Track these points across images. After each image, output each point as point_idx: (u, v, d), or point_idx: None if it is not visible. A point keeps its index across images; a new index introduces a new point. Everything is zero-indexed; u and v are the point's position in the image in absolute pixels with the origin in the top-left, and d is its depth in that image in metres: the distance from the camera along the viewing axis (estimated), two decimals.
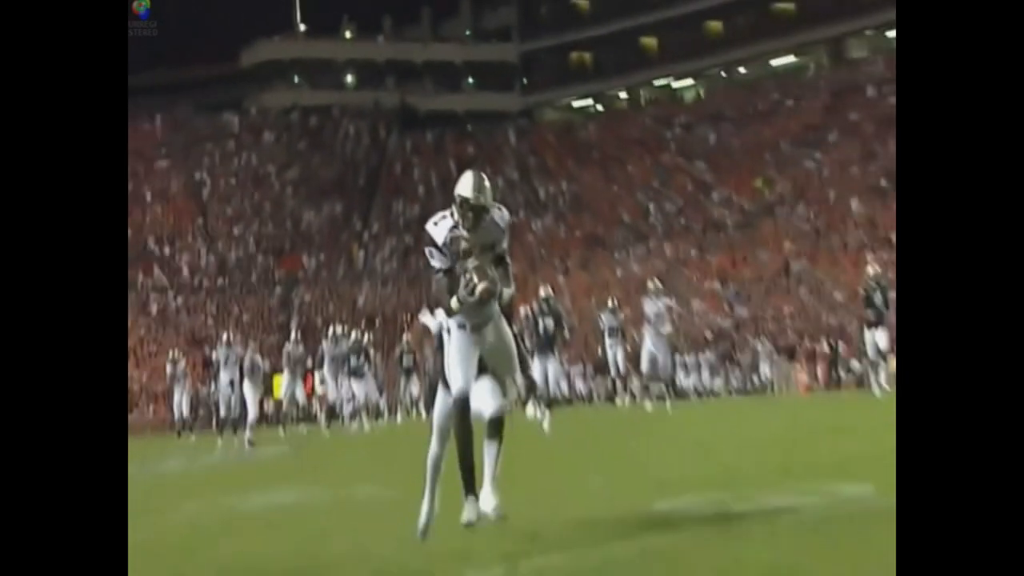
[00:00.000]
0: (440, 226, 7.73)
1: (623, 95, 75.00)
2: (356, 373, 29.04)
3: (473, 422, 7.74)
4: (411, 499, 10.91)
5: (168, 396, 37.05)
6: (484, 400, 7.90)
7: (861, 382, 35.89)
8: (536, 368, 19.79)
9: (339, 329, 31.47)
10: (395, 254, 62.32)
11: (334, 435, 27.77)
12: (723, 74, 70.68)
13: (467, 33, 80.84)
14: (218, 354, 28.76)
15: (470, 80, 79.52)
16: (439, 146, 70.48)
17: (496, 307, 7.97)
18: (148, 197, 61.28)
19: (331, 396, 30.19)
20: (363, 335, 31.69)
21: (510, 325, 8.44)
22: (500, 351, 8.05)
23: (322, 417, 33.03)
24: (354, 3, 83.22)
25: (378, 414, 30.86)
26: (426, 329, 8.40)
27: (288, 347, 31.80)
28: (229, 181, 65.44)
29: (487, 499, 7.60)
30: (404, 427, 29.45)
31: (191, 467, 19.55)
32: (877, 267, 25.86)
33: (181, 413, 34.74)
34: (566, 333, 24.88)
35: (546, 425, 17.60)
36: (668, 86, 72.81)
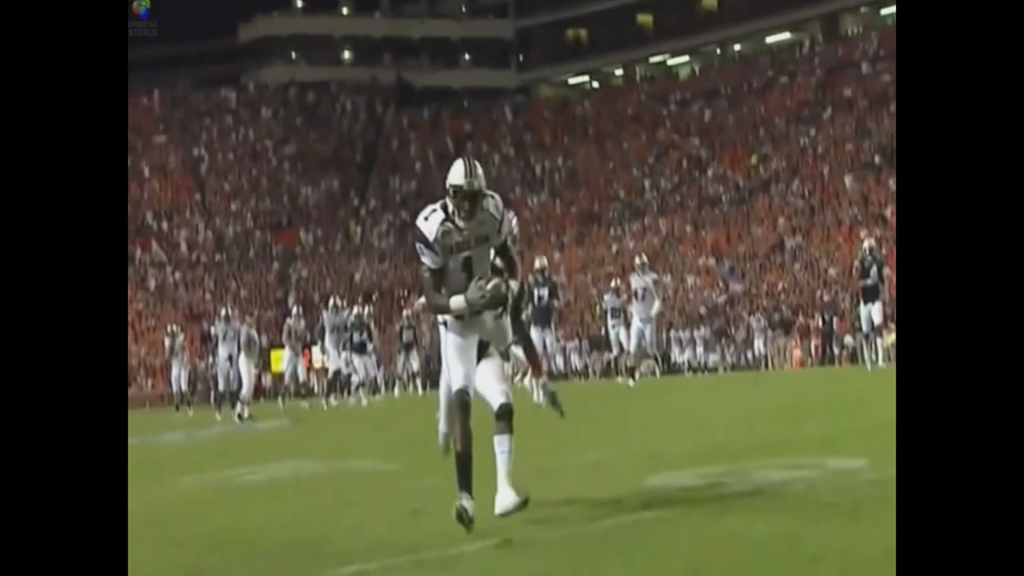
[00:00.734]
0: (431, 220, 7.38)
1: (619, 72, 74.81)
2: (358, 349, 28.93)
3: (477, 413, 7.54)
4: (408, 473, 10.94)
5: (166, 370, 37.03)
6: (490, 387, 7.62)
7: (855, 357, 35.95)
8: (535, 338, 19.64)
9: (339, 300, 31.40)
10: (392, 230, 62.25)
11: (333, 409, 27.78)
12: (718, 51, 70.53)
13: (463, 10, 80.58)
14: (216, 329, 28.75)
15: (466, 56, 79.30)
16: (436, 122, 70.34)
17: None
18: (146, 172, 61.17)
19: (332, 367, 30.05)
20: (364, 310, 31.49)
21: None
22: (499, 329, 7.84)
23: (321, 389, 33.05)
24: None
25: (375, 389, 30.79)
26: (425, 308, 8.10)
27: (290, 322, 31.82)
28: (227, 156, 65.32)
29: (506, 497, 7.24)
30: (402, 401, 29.45)
31: (189, 441, 19.57)
32: (872, 240, 25.79)
33: (179, 387, 34.71)
34: (559, 303, 24.75)
35: (537, 396, 17.58)
36: (664, 63, 72.67)
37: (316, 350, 37.32)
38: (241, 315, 30.60)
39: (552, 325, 22.94)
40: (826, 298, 41.05)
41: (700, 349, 43.36)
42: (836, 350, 38.10)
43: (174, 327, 37.44)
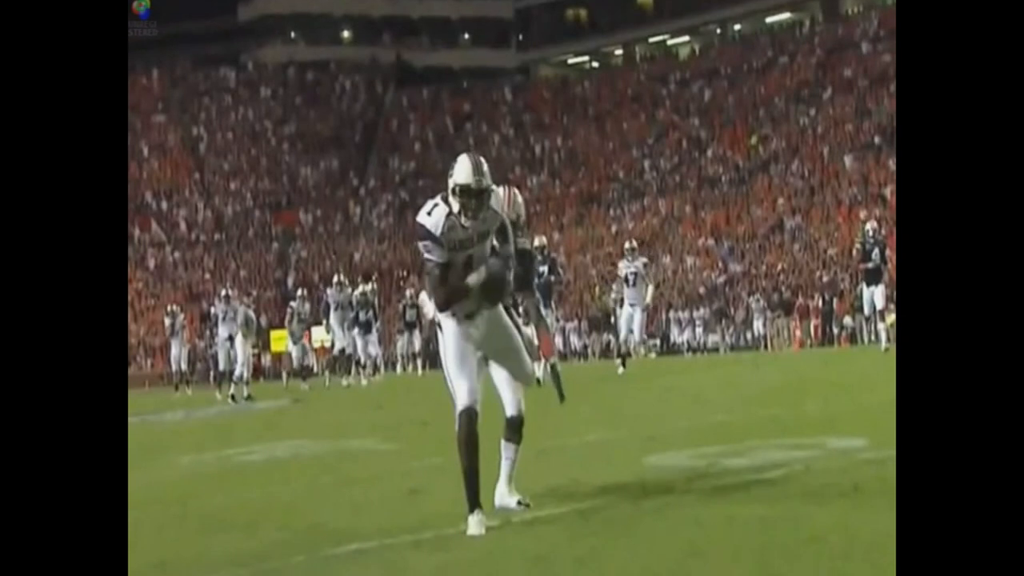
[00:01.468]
0: (435, 215, 6.96)
1: (619, 52, 74.67)
2: (364, 327, 28.75)
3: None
4: (407, 452, 10.94)
5: (166, 350, 37.05)
6: (504, 393, 7.40)
7: (854, 338, 35.98)
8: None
9: (343, 277, 31.22)
10: (391, 210, 62.21)
11: (334, 389, 27.80)
12: (718, 31, 70.40)
13: None
14: (216, 309, 28.72)
15: (466, 36, 79.15)
16: (435, 102, 70.22)
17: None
18: (145, 151, 61.09)
19: (337, 346, 29.91)
20: (369, 287, 31.18)
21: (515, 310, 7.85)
22: (498, 337, 7.32)
23: (321, 369, 33.07)
24: None
25: (375, 368, 30.74)
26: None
27: (294, 304, 31.85)
28: (226, 136, 65.23)
29: (505, 496, 7.27)
30: (402, 381, 29.46)
31: (189, 420, 19.58)
32: (874, 222, 25.71)
33: (179, 367, 34.76)
34: (559, 281, 24.66)
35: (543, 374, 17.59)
36: (664, 43, 72.47)
37: (315, 330, 37.22)
38: (240, 295, 30.49)
39: (552, 303, 22.87)
40: (825, 279, 41.01)
41: (699, 330, 43.38)
42: (836, 331, 38.09)
43: (174, 307, 37.44)
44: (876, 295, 24.45)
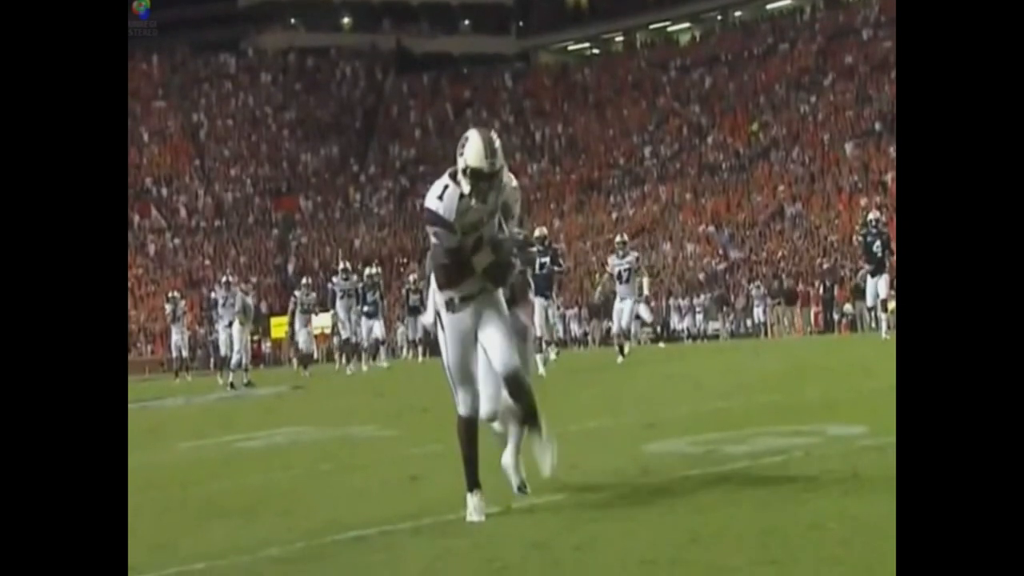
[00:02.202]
0: (446, 199, 6.50)
1: (619, 38, 74.55)
2: (371, 311, 28.63)
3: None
4: (407, 439, 10.95)
5: (167, 336, 37.03)
6: (490, 355, 6.83)
7: (854, 325, 35.96)
8: (537, 307, 19.49)
9: (348, 265, 31.11)
10: (391, 196, 62.19)
11: (334, 376, 27.79)
12: (719, 17, 70.27)
13: None
14: (217, 295, 28.70)
15: (466, 22, 79.03)
16: (435, 88, 70.18)
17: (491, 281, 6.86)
18: (145, 137, 61.05)
19: (343, 335, 29.78)
20: (375, 270, 30.96)
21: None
22: (489, 319, 6.79)
23: (322, 356, 33.07)
24: None
25: (375, 353, 30.63)
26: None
27: (298, 293, 31.81)
28: (226, 122, 65.19)
29: (510, 466, 7.15)
30: (405, 367, 29.43)
31: (189, 406, 19.59)
32: (876, 212, 25.69)
33: (180, 353, 34.76)
34: (561, 271, 24.61)
35: (541, 368, 17.62)
36: (664, 29, 72.34)
37: (317, 317, 37.09)
38: (240, 282, 30.41)
39: (554, 294, 22.82)
40: (826, 266, 40.98)
41: (699, 317, 43.36)
42: (836, 318, 38.07)
43: (174, 293, 37.42)
44: (880, 285, 24.44)
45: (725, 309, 42.87)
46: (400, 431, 11.82)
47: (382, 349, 29.92)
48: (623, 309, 23.04)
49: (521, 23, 77.56)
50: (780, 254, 44.39)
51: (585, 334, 46.13)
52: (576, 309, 46.63)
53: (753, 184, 50.36)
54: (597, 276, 45.63)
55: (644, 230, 49.99)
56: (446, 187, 6.51)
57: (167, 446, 12.66)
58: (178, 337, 34.87)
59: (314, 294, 32.33)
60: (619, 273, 23.23)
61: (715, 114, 57.63)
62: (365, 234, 59.19)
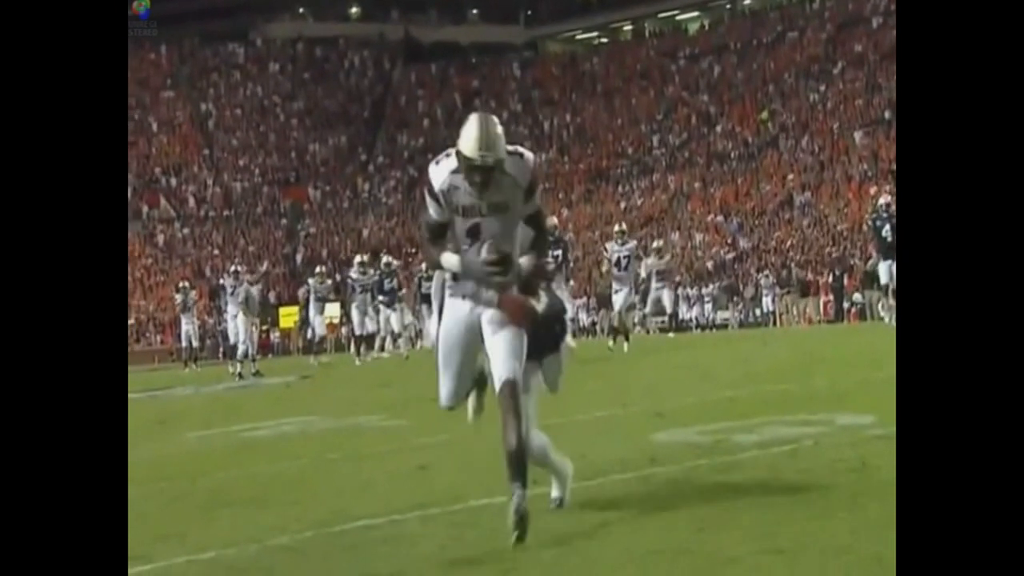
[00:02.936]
0: (441, 167, 6.11)
1: (628, 27, 74.45)
2: (388, 299, 28.48)
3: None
4: (415, 429, 10.95)
5: (176, 326, 37.05)
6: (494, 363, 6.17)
7: (863, 314, 35.88)
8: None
9: (364, 258, 30.89)
10: (400, 186, 62.18)
11: (343, 366, 27.80)
12: (728, 6, 70.14)
13: None
14: (226, 284, 28.71)
15: (474, 12, 78.94)
16: (443, 78, 70.14)
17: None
18: (154, 127, 61.09)
19: (356, 330, 29.59)
20: (394, 261, 30.72)
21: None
22: (500, 327, 6.13)
23: (330, 346, 33.05)
24: None
25: (395, 342, 30.40)
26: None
27: (312, 281, 31.73)
28: (234, 112, 65.18)
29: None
30: (414, 357, 29.43)
31: (198, 396, 19.61)
32: (888, 196, 25.55)
33: (189, 343, 34.78)
34: (571, 262, 24.56)
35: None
36: (673, 18, 72.23)
37: (329, 307, 36.97)
38: (248, 271, 30.37)
39: (564, 283, 22.76)
40: (835, 254, 40.91)
41: (708, 306, 43.30)
42: (846, 306, 37.99)
43: (184, 283, 37.47)
44: (890, 270, 24.35)
45: (734, 299, 42.79)
46: (408, 421, 11.83)
47: (400, 340, 29.76)
48: (618, 299, 23.01)
49: (529, 12, 77.48)
50: (789, 243, 44.33)
51: (593, 323, 46.10)
52: (584, 299, 46.60)
53: (762, 173, 50.29)
54: (605, 265, 45.70)
55: (653, 219, 49.96)
56: (447, 156, 6.14)
57: (176, 436, 12.68)
58: (188, 327, 34.89)
59: (329, 281, 32.23)
60: (618, 260, 23.15)
61: (724, 103, 57.54)
62: (373, 224, 59.21)
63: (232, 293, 26.81)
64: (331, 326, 39.81)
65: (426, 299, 31.20)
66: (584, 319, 46.47)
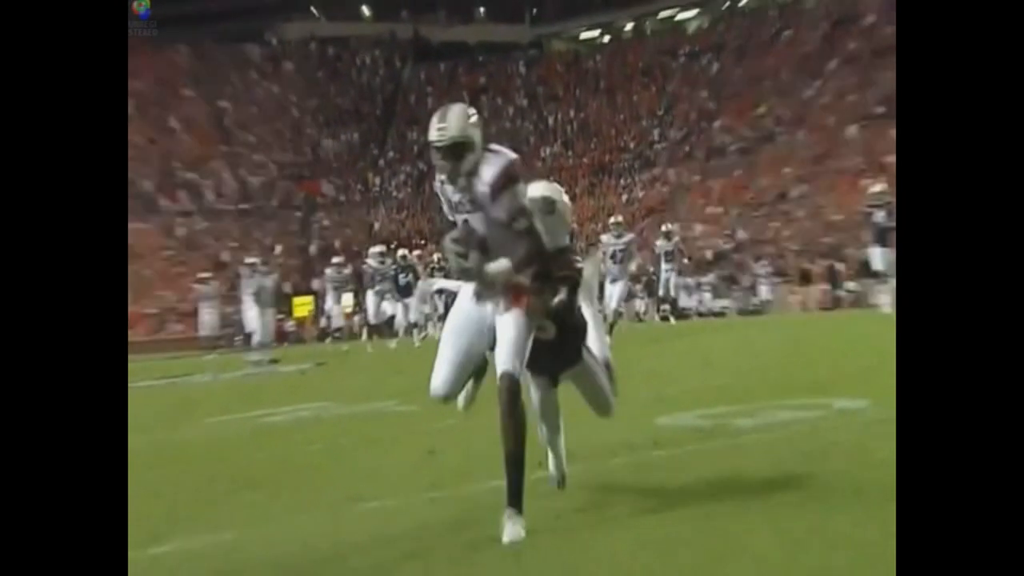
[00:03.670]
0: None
1: (629, 26, 74.37)
2: (404, 291, 28.49)
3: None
4: (425, 414, 10.93)
5: (196, 315, 37.08)
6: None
7: (858, 302, 35.84)
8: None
9: (382, 248, 30.85)
10: (409, 180, 62.14)
11: (356, 353, 27.79)
12: (726, 5, 70.06)
13: None
14: (242, 275, 28.78)
15: (481, 12, 78.91)
16: (452, 76, 70.04)
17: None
18: (174, 125, 61.09)
19: (371, 320, 29.54)
20: (409, 252, 30.68)
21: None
22: (508, 320, 5.79)
23: (344, 334, 33.08)
24: None
25: (411, 331, 30.39)
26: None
27: (330, 271, 31.74)
28: (251, 109, 65.11)
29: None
30: (426, 344, 29.43)
31: (217, 383, 19.62)
32: (884, 184, 25.49)
33: (210, 332, 34.84)
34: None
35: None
36: (673, 17, 72.19)
37: (345, 296, 36.91)
38: (263, 263, 30.33)
39: (589, 301, 22.60)
40: (831, 243, 40.79)
41: (708, 295, 43.19)
42: (841, 295, 37.93)
43: (206, 274, 37.58)
44: (882, 258, 24.31)
45: (732, 287, 42.71)
46: (418, 407, 11.81)
47: (413, 330, 29.74)
48: (613, 292, 22.89)
49: (534, 12, 77.43)
50: (785, 234, 44.24)
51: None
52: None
53: (759, 166, 50.18)
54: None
55: (654, 211, 49.86)
56: None
57: (196, 421, 12.69)
58: (208, 316, 34.98)
59: (346, 271, 32.19)
60: (613, 253, 22.99)
61: (722, 99, 57.42)
62: (384, 216, 59.19)
63: (247, 284, 26.89)
64: (346, 315, 39.83)
65: (439, 290, 31.19)
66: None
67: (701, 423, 8.47)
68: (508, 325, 5.72)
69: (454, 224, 5.90)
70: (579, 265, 6.25)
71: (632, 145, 58.39)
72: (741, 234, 45.16)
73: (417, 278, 28.58)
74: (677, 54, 63.63)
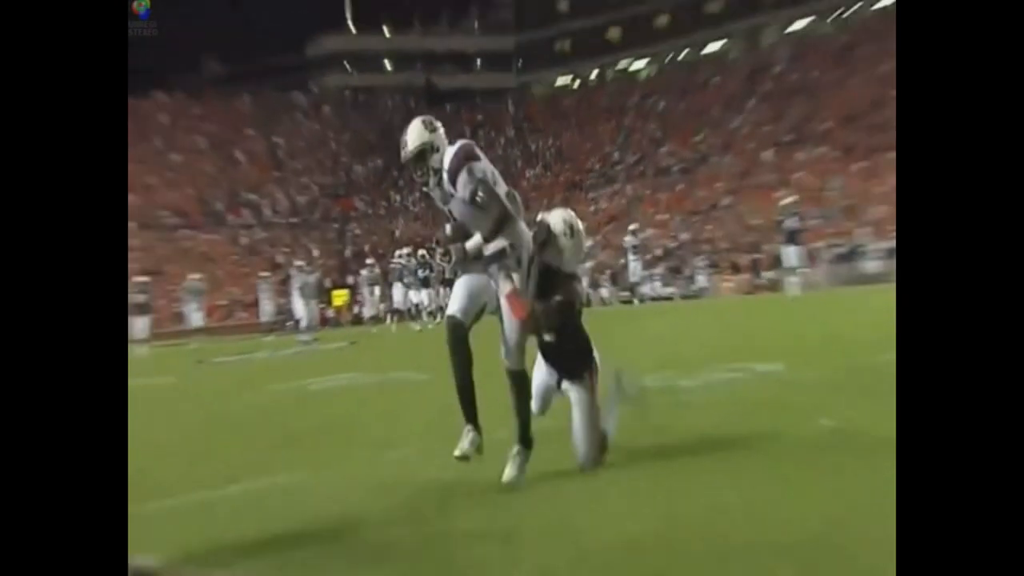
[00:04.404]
0: None
1: (594, 74, 74.23)
2: (424, 283, 28.66)
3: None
4: (437, 381, 10.87)
5: (257, 306, 37.03)
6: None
7: (773, 288, 35.84)
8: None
9: (408, 250, 31.12)
10: (422, 197, 61.96)
11: (383, 334, 27.74)
12: (668, 58, 69.98)
13: (476, 28, 79.84)
14: (292, 274, 28.81)
15: (479, 64, 78.74)
16: (456, 115, 69.85)
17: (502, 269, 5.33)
18: (239, 157, 60.93)
19: (396, 305, 29.71)
20: (427, 253, 30.73)
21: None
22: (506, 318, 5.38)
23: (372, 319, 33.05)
24: (391, 7, 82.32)
25: (416, 316, 30.43)
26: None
27: (365, 272, 31.99)
28: (298, 143, 64.96)
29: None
30: (439, 327, 29.38)
31: (273, 359, 19.56)
32: (794, 197, 25.63)
33: (267, 318, 34.80)
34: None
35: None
36: (627, 68, 72.09)
37: (376, 290, 36.80)
38: (307, 264, 30.29)
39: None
40: (751, 242, 40.73)
41: (658, 283, 43.11)
42: (760, 281, 37.86)
43: (264, 273, 37.59)
44: (793, 253, 24.35)
45: (677, 277, 42.63)
46: (433, 375, 11.78)
47: (429, 315, 29.74)
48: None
49: (520, 63, 77.28)
50: (718, 235, 44.16)
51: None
52: None
53: (696, 182, 50.11)
54: None
55: (614, 219, 49.74)
56: None
57: (258, 388, 12.64)
58: (266, 306, 34.96)
59: (377, 270, 32.38)
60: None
61: (667, 130, 57.34)
62: (403, 225, 59.02)
63: (296, 281, 26.89)
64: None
65: (447, 282, 31.13)
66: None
67: (655, 383, 8.44)
68: (512, 329, 5.33)
69: (449, 216, 5.42)
70: (580, 291, 5.70)
71: (597, 166, 58.27)
72: (683, 235, 45.06)
73: (432, 272, 28.65)
74: (632, 95, 63.59)
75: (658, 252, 44.22)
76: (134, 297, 26.59)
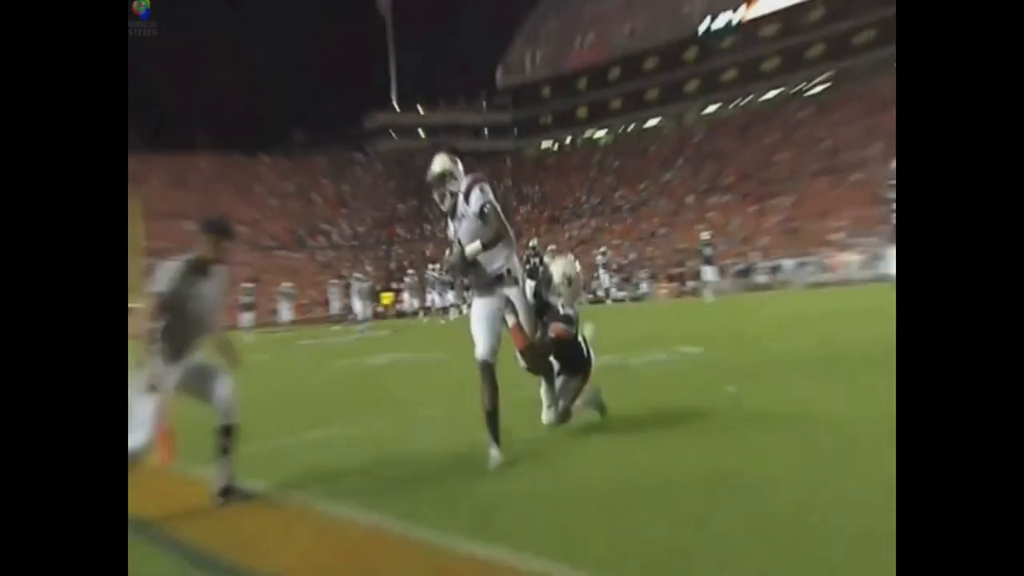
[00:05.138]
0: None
1: (568, 140, 74.23)
2: (451, 285, 28.97)
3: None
4: (457, 360, 10.79)
5: (327, 304, 36.90)
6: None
7: (695, 294, 35.75)
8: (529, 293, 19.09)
9: (436, 265, 31.29)
10: (446, 226, 61.69)
11: (421, 324, 27.63)
12: (620, 130, 69.99)
13: (485, 107, 79.99)
14: (352, 282, 28.72)
15: (486, 132, 78.76)
16: (469, 168, 69.42)
17: (500, 279, 4.80)
18: (316, 199, 60.86)
19: (437, 303, 29.96)
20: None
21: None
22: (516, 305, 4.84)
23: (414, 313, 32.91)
24: (424, 91, 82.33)
25: (444, 311, 30.20)
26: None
27: (407, 279, 32.17)
28: (358, 189, 64.89)
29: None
30: (460, 320, 29.27)
31: (339, 343, 19.48)
32: (708, 233, 25.65)
33: (335, 313, 34.68)
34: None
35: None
36: (591, 136, 72.10)
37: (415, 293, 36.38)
38: (363, 275, 30.17)
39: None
40: (679, 259, 40.67)
41: (613, 290, 43.02)
42: (684, 289, 37.76)
43: (334, 281, 37.48)
44: (709, 272, 24.31)
45: (627, 285, 42.51)
46: (455, 355, 11.71)
47: (453, 310, 29.66)
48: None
49: (516, 132, 77.36)
50: (656, 255, 44.08)
51: None
52: None
53: (641, 218, 50.01)
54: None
55: (583, 242, 49.64)
56: None
57: (327, 364, 12.57)
58: (334, 305, 34.86)
59: (415, 278, 32.62)
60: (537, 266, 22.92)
61: (620, 180, 57.26)
62: (432, 247, 58.90)
63: (356, 287, 26.77)
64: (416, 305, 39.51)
65: (466, 287, 30.96)
66: None
67: (610, 362, 8.39)
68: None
69: (457, 242, 4.82)
70: (571, 330, 5.14)
71: (570, 206, 58.16)
72: (632, 255, 44.95)
73: (455, 276, 28.59)
74: (595, 156, 63.62)
75: (614, 267, 44.16)
76: (242, 298, 27.08)
